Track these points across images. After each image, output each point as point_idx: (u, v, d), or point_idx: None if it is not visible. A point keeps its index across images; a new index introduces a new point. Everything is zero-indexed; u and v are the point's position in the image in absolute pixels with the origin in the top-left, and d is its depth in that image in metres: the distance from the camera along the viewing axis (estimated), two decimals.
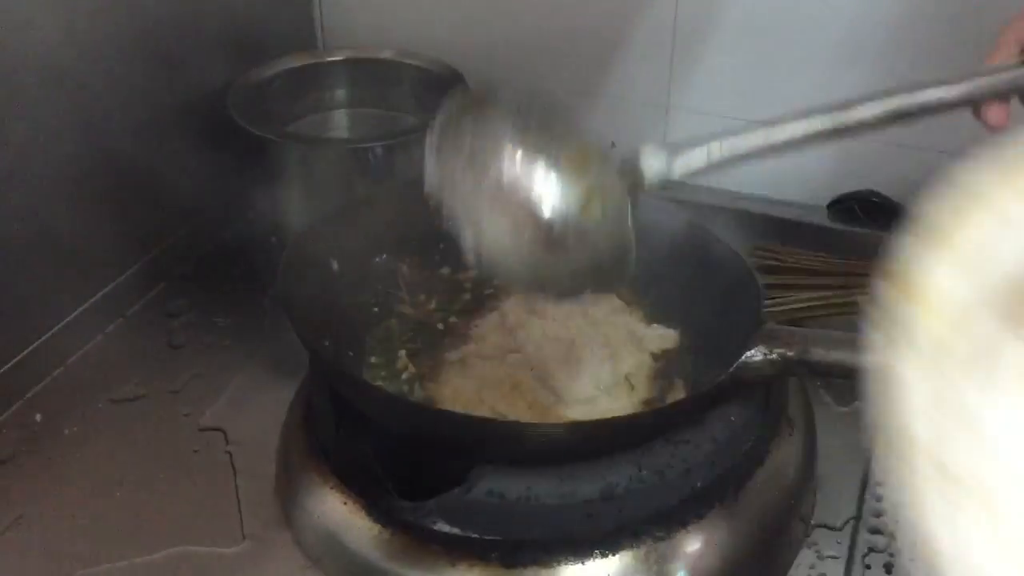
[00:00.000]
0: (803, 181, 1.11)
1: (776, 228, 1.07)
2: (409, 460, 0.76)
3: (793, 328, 0.74)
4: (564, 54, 1.16)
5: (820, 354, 0.69)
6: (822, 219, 1.08)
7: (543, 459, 0.68)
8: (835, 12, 1.03)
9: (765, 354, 0.70)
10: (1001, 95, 0.63)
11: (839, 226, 1.07)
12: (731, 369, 0.70)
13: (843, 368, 0.69)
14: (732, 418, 0.72)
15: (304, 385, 0.84)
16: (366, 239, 0.85)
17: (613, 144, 1.19)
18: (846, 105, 0.63)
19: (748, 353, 0.70)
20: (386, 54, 1.13)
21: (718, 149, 0.64)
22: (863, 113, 0.63)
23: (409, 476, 0.74)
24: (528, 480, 0.67)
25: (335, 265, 0.83)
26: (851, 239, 1.05)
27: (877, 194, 1.07)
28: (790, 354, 0.70)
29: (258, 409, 0.89)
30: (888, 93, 0.63)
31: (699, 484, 0.70)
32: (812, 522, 0.78)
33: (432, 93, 1.10)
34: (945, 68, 0.65)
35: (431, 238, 0.90)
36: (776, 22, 1.05)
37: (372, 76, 1.14)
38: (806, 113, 0.64)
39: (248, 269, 1.08)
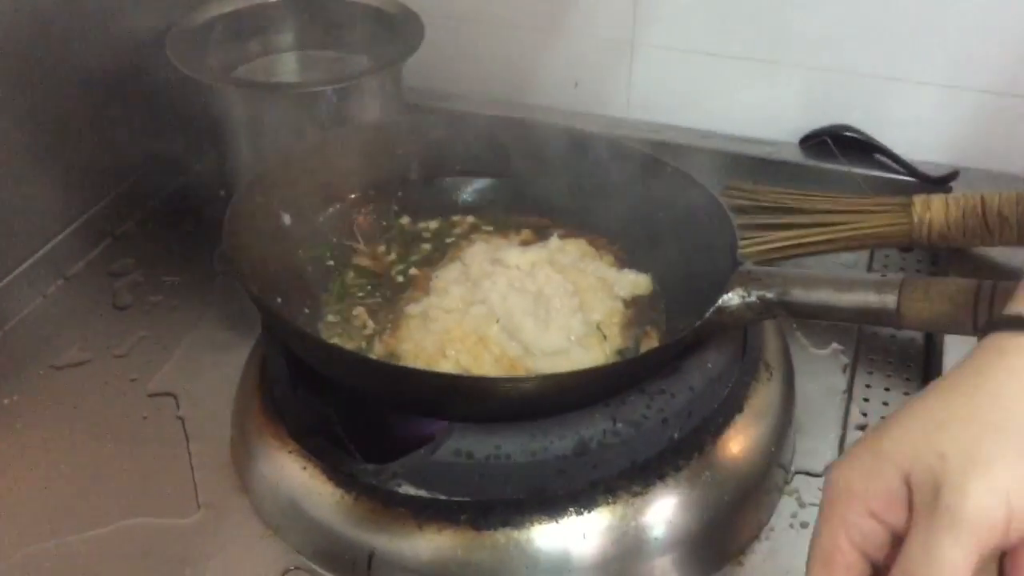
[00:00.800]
0: (774, 117, 1.07)
1: (748, 166, 1.04)
2: (371, 420, 0.73)
3: (771, 269, 0.70)
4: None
5: (800, 295, 0.67)
6: (795, 155, 1.05)
7: (513, 415, 0.64)
8: None
9: (743, 297, 0.67)
10: None
11: (812, 162, 1.03)
12: (707, 314, 0.67)
13: (824, 308, 0.66)
14: (709, 365, 0.69)
15: (258, 345, 0.80)
16: (318, 188, 0.81)
17: (576, 84, 1.16)
18: None
19: (725, 296, 0.67)
20: None
21: None
22: None
23: (372, 437, 0.71)
24: (497, 438, 0.63)
25: (286, 217, 0.78)
26: (825, 175, 1.02)
27: (850, 128, 1.03)
28: (769, 296, 0.67)
29: (211, 371, 0.85)
30: None
31: (676, 435, 0.67)
32: (792, 469, 0.76)
33: (385, 32, 1.05)
34: None
35: (389, 186, 0.86)
36: None
37: (321, 16, 1.07)
38: None
39: (196, 224, 1.03)
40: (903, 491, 0.44)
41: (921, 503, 0.43)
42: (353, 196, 0.84)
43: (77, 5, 0.92)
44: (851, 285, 0.65)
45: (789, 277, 0.67)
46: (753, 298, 0.67)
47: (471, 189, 0.87)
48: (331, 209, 0.82)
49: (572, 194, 0.86)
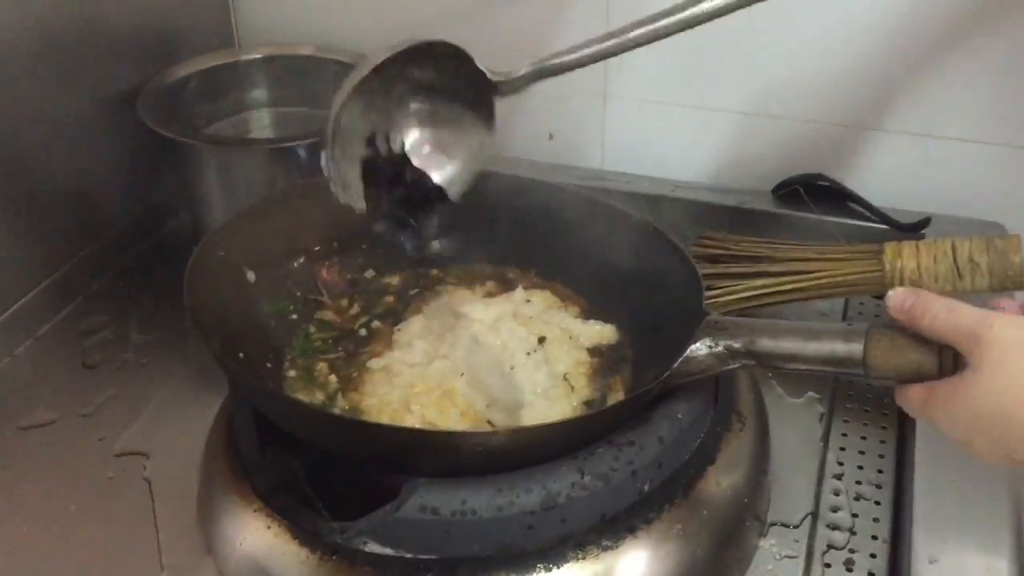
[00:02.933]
0: (746, 167, 1.08)
1: (721, 216, 1.04)
2: (340, 477, 0.71)
3: (737, 319, 0.70)
4: (495, 45, 1.11)
5: (767, 344, 0.66)
6: (768, 204, 1.05)
7: (479, 470, 0.63)
8: None
9: (710, 347, 0.67)
10: None
11: (785, 211, 1.04)
12: (675, 364, 0.66)
13: (791, 357, 0.66)
14: (679, 415, 0.68)
15: (226, 402, 0.78)
16: (282, 241, 0.80)
17: (551, 136, 1.17)
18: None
19: (692, 347, 0.67)
20: (306, 50, 1.08)
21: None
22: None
23: (340, 494, 0.70)
24: (463, 492, 0.62)
25: (249, 273, 0.77)
26: (798, 223, 1.02)
27: (823, 177, 1.04)
28: (736, 345, 0.66)
29: (179, 430, 0.83)
30: None
31: (646, 487, 0.66)
32: (768, 520, 0.74)
33: None
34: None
35: (353, 239, 0.86)
36: None
37: (292, 73, 1.09)
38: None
39: (169, 281, 1.01)
40: None
41: None
42: (317, 249, 0.83)
43: (50, 61, 0.92)
44: (818, 334, 0.65)
45: (756, 327, 0.67)
46: (720, 348, 0.66)
47: (436, 241, 0.87)
48: (295, 263, 0.82)
49: (537, 245, 0.86)
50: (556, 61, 0.71)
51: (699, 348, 0.67)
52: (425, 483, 0.62)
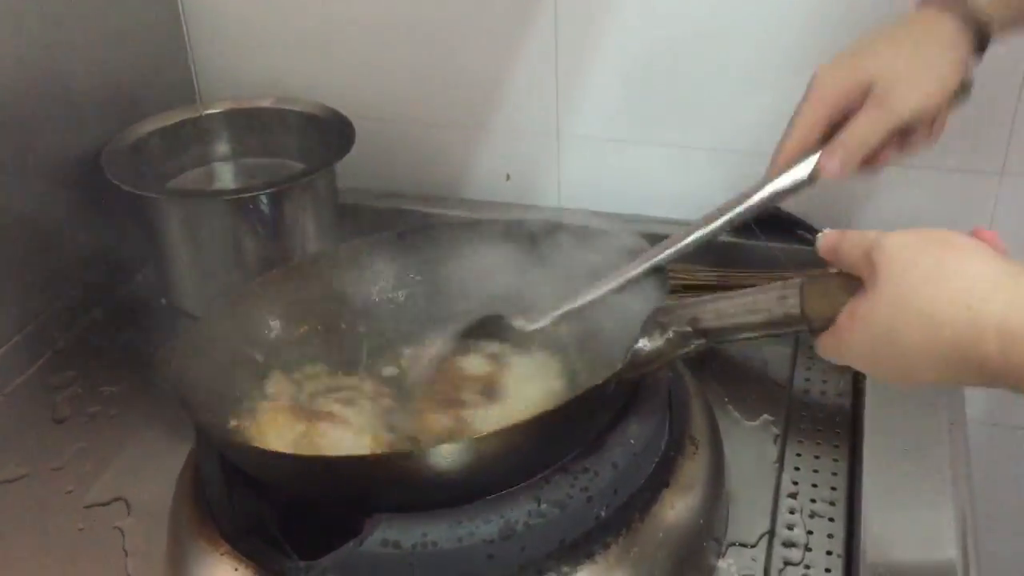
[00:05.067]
0: (697, 199, 1.10)
1: None
2: (304, 518, 0.73)
3: (680, 301, 0.70)
4: (449, 91, 1.15)
5: (712, 322, 0.67)
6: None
7: (437, 495, 0.65)
8: (718, 34, 1.03)
9: (660, 334, 0.67)
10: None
11: (739, 240, 1.07)
12: (627, 356, 0.67)
13: (737, 328, 0.66)
14: (632, 441, 0.70)
15: (194, 449, 0.80)
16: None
17: (508, 177, 1.20)
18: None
19: (642, 340, 0.67)
20: (266, 102, 1.11)
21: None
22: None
23: (307, 534, 0.71)
24: (423, 525, 0.64)
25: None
26: (750, 252, 1.05)
27: (774, 207, 1.06)
28: (684, 328, 0.67)
29: (150, 480, 0.84)
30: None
31: (602, 513, 0.68)
32: (726, 540, 0.76)
33: (316, 137, 1.08)
34: None
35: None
36: (654, 45, 1.06)
37: (254, 126, 1.11)
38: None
39: (137, 332, 1.04)
40: (863, 88, 0.72)
41: (873, 97, 0.72)
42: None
43: (12, 121, 0.94)
44: (756, 301, 0.66)
45: (698, 305, 0.68)
46: (669, 333, 0.67)
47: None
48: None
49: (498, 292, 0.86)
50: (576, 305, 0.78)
51: (649, 338, 0.68)
52: (387, 518, 0.64)
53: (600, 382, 0.65)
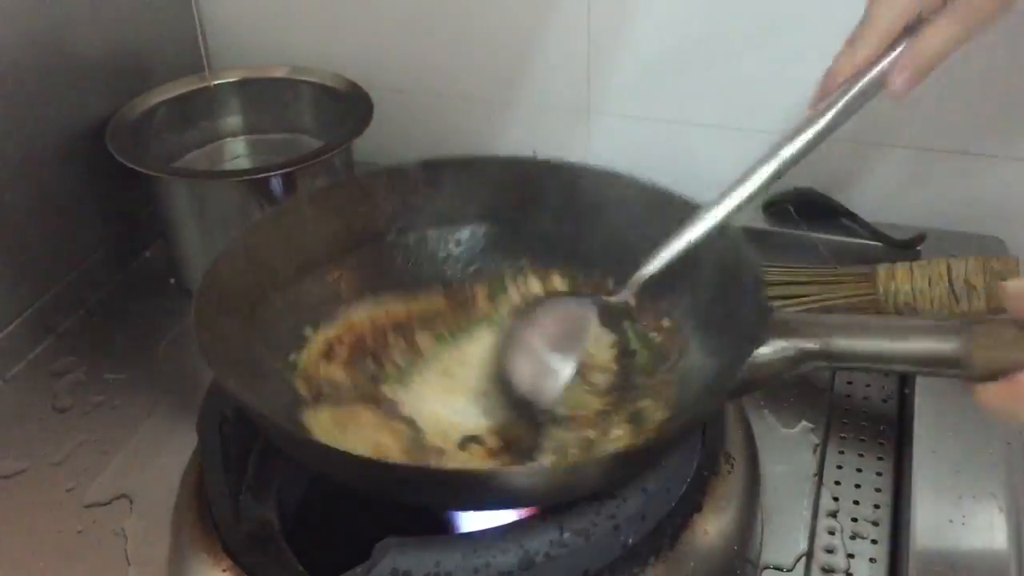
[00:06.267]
0: (732, 180, 1.04)
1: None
2: (315, 528, 0.69)
3: (807, 315, 0.65)
4: (473, 62, 1.08)
5: (844, 344, 0.60)
6: (758, 221, 1.02)
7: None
8: (757, 9, 0.96)
9: (780, 348, 0.60)
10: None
11: (776, 228, 1.01)
12: (739, 372, 0.60)
13: (876, 357, 0.61)
14: (663, 462, 0.65)
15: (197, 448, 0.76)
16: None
17: (535, 153, 1.14)
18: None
19: (759, 352, 0.60)
20: (280, 72, 1.05)
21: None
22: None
23: (314, 540, 0.67)
24: (435, 553, 0.59)
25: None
26: (788, 240, 0.99)
27: (814, 192, 1.00)
28: (810, 346, 0.60)
29: (154, 477, 0.81)
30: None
31: (630, 541, 0.63)
32: (760, 563, 0.72)
33: (333, 111, 1.03)
34: None
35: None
36: (690, 20, 0.99)
37: (267, 97, 1.06)
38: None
39: (144, 316, 1.00)
40: None
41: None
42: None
43: (15, 93, 0.90)
44: (905, 332, 0.59)
45: (832, 324, 0.62)
46: (791, 349, 0.61)
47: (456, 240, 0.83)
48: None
49: (566, 233, 0.81)
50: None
51: (766, 350, 0.61)
52: (398, 544, 0.60)
53: (711, 399, 0.60)
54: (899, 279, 0.83)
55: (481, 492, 0.60)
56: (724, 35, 0.99)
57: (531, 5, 1.03)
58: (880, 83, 0.65)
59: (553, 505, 0.61)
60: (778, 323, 0.62)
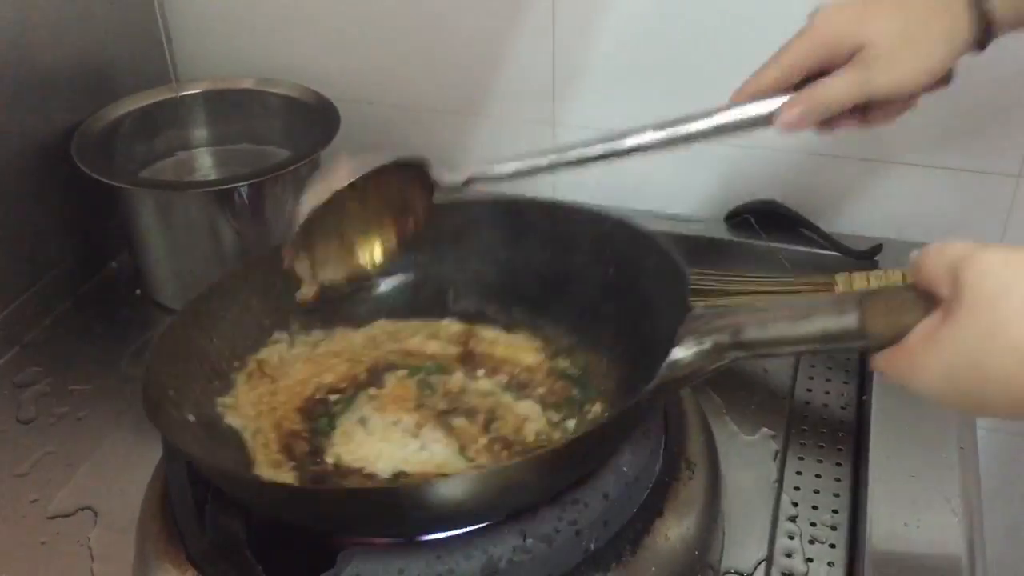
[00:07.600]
0: (699, 194, 1.06)
1: (675, 245, 1.02)
2: (281, 540, 0.69)
3: (718, 309, 0.63)
4: (439, 75, 1.09)
5: (755, 333, 0.61)
6: (720, 232, 1.04)
7: (417, 528, 0.61)
8: (713, 19, 0.98)
9: (697, 345, 0.61)
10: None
11: (738, 239, 1.02)
12: (660, 371, 0.61)
13: (783, 341, 0.61)
14: (624, 468, 0.66)
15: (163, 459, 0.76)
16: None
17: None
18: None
19: (675, 350, 0.61)
20: (247, 83, 1.05)
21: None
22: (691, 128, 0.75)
23: (279, 550, 0.67)
24: (399, 561, 0.60)
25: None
26: (750, 251, 1.01)
27: (776, 204, 1.02)
28: (723, 339, 0.61)
29: (120, 487, 0.80)
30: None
31: (592, 547, 0.64)
32: (722, 567, 0.73)
33: (300, 122, 1.03)
34: None
35: None
36: (652, 33, 1.00)
37: (233, 109, 1.06)
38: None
39: (109, 326, 0.99)
40: (855, 46, 0.68)
41: (859, 60, 0.68)
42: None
43: None
44: (807, 312, 0.59)
45: (740, 315, 0.62)
46: (707, 344, 0.61)
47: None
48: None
49: (500, 272, 0.83)
50: (497, 171, 0.76)
51: (684, 349, 0.62)
52: (361, 553, 0.60)
53: (627, 407, 0.60)
54: (856, 287, 0.85)
55: (393, 510, 0.60)
56: (688, 50, 1.00)
57: (497, 19, 1.04)
58: (767, 118, 0.72)
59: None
60: (689, 321, 0.63)
